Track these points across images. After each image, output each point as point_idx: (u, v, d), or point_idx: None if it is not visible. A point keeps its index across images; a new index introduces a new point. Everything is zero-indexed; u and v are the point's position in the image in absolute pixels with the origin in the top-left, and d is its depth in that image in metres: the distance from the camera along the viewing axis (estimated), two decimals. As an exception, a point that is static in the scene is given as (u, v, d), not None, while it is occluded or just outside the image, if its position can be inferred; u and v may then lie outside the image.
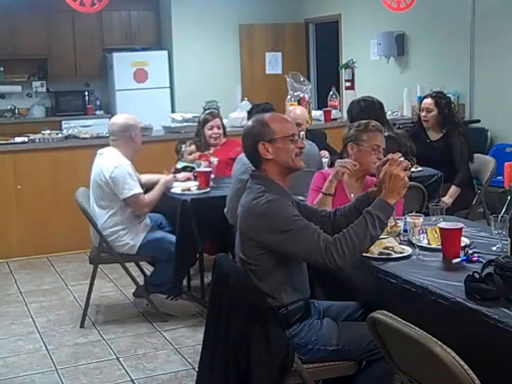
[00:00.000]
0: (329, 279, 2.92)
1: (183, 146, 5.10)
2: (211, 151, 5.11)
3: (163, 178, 4.56)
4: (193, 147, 5.05)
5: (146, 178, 4.64)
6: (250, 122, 2.83)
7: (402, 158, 2.68)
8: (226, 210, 4.16)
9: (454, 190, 5.04)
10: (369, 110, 4.65)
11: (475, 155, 5.38)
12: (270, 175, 2.69)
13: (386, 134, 4.48)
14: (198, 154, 5.03)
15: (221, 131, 5.15)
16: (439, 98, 5.29)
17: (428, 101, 5.30)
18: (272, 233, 2.56)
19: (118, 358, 3.91)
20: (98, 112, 9.85)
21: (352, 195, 3.35)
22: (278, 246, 2.57)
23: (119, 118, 4.51)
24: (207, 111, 5.40)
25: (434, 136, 5.31)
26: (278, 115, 2.86)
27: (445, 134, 5.24)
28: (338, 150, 4.54)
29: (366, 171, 3.48)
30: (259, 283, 2.65)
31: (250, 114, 4.99)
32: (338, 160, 3.45)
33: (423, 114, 5.32)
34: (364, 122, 3.56)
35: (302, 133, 4.37)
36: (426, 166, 4.85)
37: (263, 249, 2.61)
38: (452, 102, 5.50)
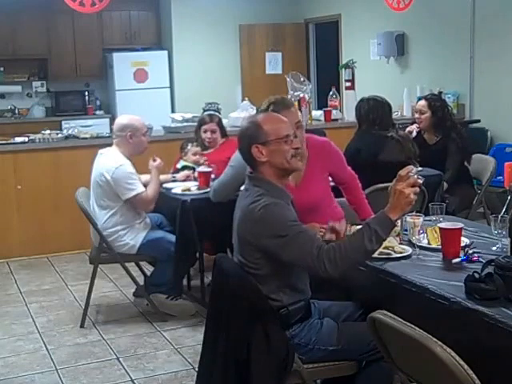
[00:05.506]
0: (329, 279, 2.91)
1: (189, 144, 5.08)
2: (210, 151, 5.11)
3: (154, 168, 4.46)
4: (198, 148, 5.04)
5: (146, 178, 4.63)
6: (244, 123, 2.77)
7: (412, 173, 2.47)
8: (213, 191, 4.14)
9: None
10: (377, 109, 4.62)
11: (475, 155, 5.37)
12: (267, 177, 2.66)
13: (389, 134, 4.49)
14: (202, 155, 5.01)
15: (214, 136, 5.08)
16: (433, 100, 5.27)
17: (421, 103, 5.31)
18: (269, 237, 2.53)
19: (118, 358, 3.91)
20: (98, 112, 9.86)
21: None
22: (275, 250, 2.54)
23: (122, 118, 4.49)
24: (209, 112, 5.36)
25: (430, 140, 5.29)
26: (273, 116, 2.80)
27: (441, 139, 5.23)
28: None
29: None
30: (259, 286, 2.62)
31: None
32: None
33: (417, 115, 5.33)
34: (256, 115, 3.07)
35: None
36: (422, 166, 4.83)
37: (262, 253, 2.59)
38: (447, 105, 5.46)
